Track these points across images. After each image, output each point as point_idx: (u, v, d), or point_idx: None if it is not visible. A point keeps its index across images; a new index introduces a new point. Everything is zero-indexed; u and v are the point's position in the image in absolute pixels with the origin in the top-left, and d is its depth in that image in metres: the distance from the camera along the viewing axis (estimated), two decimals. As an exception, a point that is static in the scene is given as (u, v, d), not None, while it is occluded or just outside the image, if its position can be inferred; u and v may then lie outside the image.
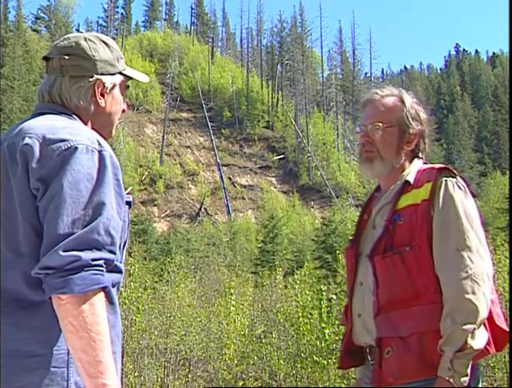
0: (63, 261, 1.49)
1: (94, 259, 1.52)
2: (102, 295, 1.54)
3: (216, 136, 56.36)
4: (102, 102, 1.81)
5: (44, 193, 1.56)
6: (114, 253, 1.58)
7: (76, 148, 1.59)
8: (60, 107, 1.77)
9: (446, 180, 2.15)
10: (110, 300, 1.61)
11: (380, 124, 2.26)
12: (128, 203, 1.73)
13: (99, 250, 1.53)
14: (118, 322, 1.69)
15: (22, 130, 1.66)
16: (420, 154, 2.31)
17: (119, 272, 1.66)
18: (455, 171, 2.20)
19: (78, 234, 1.52)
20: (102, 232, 1.54)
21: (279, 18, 75.04)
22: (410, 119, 2.27)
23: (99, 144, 1.64)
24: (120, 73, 1.86)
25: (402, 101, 2.30)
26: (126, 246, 1.76)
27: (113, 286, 1.64)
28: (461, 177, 2.20)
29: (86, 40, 1.80)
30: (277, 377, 11.22)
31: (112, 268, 1.59)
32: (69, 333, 1.50)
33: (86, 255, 1.51)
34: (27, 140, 1.61)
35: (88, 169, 1.58)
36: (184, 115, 59.67)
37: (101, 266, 1.54)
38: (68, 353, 1.56)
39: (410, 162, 2.29)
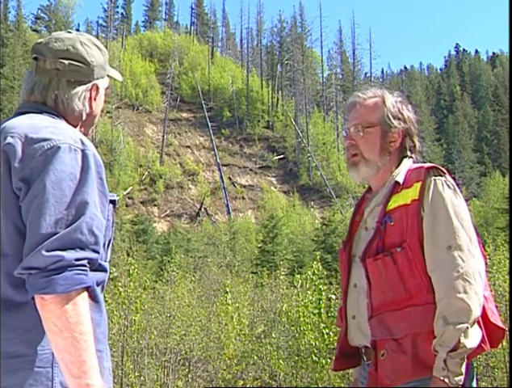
0: (46, 261, 1.48)
1: (77, 259, 1.51)
2: (85, 295, 1.53)
3: (216, 136, 56.34)
4: (94, 105, 1.82)
5: (26, 193, 1.55)
6: (97, 252, 1.57)
7: (59, 147, 1.58)
8: (43, 107, 1.75)
9: (435, 179, 2.13)
10: (94, 298, 1.60)
11: (361, 126, 2.25)
12: (113, 201, 1.73)
13: (83, 249, 1.53)
14: (104, 320, 1.68)
15: (4, 129, 1.65)
16: (409, 154, 2.28)
17: (104, 270, 1.65)
18: (444, 170, 2.18)
19: (61, 233, 1.51)
20: (86, 231, 1.53)
21: (278, 18, 75.01)
22: (391, 117, 2.24)
23: (82, 143, 1.63)
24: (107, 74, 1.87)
25: (383, 101, 2.28)
26: (111, 244, 1.75)
27: (97, 285, 1.63)
28: (450, 175, 2.18)
29: (82, 44, 1.79)
30: (277, 377, 11.19)
31: (97, 267, 1.59)
32: (52, 333, 1.49)
33: (70, 255, 1.50)
34: (9, 139, 1.60)
35: (71, 168, 1.57)
36: (184, 115, 59.66)
37: (84, 266, 1.53)
38: (52, 353, 1.55)
39: (399, 161, 2.26)
